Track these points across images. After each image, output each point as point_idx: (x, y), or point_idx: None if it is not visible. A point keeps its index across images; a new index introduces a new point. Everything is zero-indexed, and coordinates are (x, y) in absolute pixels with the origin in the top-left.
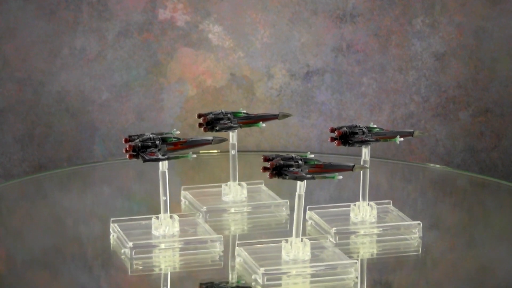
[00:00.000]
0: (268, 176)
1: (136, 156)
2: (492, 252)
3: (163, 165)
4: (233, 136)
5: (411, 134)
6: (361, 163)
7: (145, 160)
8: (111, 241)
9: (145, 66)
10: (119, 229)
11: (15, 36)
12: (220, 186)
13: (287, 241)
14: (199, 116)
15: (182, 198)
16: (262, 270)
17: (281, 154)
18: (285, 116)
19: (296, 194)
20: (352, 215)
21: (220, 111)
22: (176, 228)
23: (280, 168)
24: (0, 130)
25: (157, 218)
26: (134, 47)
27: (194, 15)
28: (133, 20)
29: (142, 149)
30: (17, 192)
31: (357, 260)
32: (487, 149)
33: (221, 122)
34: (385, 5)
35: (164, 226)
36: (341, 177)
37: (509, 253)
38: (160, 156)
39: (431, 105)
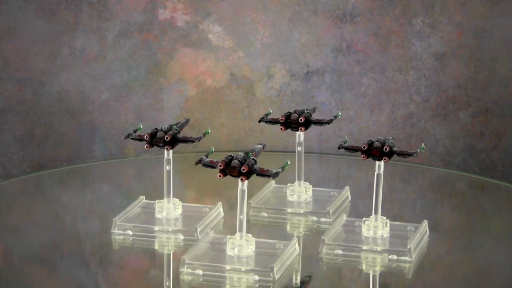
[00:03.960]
0: (384, 161)
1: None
2: (490, 255)
3: (243, 184)
4: (169, 153)
5: (314, 110)
6: (296, 146)
7: (273, 177)
8: (182, 278)
9: (145, 66)
10: (192, 261)
11: (15, 36)
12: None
13: (369, 221)
14: (151, 136)
15: (116, 231)
16: (410, 245)
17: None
18: (188, 120)
19: (376, 173)
20: (288, 195)
21: (169, 126)
22: (252, 248)
23: (391, 152)
24: (0, 130)
25: (232, 238)
26: (134, 47)
27: (194, 15)
28: (133, 20)
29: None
30: (16, 189)
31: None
32: (487, 149)
33: (180, 137)
34: (385, 5)
35: (243, 247)
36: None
37: (507, 255)
38: (277, 170)
39: (431, 105)
